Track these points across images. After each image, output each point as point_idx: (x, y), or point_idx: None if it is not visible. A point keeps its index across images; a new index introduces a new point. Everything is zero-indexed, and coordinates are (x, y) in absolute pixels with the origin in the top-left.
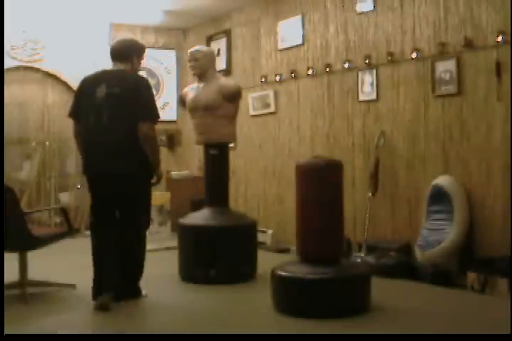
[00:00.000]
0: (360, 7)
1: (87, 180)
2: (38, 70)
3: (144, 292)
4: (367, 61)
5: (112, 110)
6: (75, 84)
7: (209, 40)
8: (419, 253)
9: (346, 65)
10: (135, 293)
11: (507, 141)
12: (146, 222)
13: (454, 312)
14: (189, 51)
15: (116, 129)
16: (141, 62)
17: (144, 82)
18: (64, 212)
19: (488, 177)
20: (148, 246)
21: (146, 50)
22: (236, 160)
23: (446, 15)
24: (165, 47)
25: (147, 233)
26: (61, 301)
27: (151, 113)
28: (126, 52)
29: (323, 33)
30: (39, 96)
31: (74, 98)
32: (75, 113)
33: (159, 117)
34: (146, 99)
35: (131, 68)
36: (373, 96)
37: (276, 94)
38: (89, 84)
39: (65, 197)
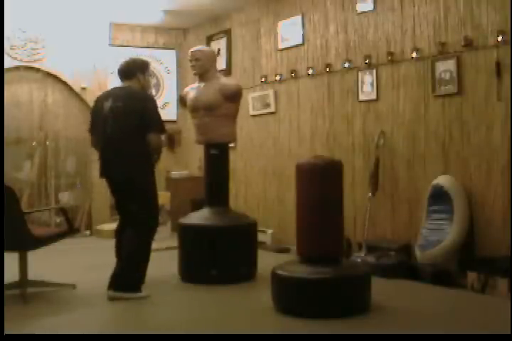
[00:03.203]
0: (360, 7)
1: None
2: (38, 70)
3: (144, 293)
4: (367, 61)
5: (114, 122)
6: (75, 84)
7: (209, 40)
8: (419, 253)
9: (346, 65)
10: (124, 287)
11: (507, 141)
12: (149, 223)
13: (454, 312)
14: (190, 51)
15: (117, 139)
16: (148, 77)
17: (147, 96)
18: (64, 212)
19: (488, 177)
20: None
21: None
22: (236, 160)
23: (446, 15)
24: (165, 47)
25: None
26: (61, 301)
27: (157, 124)
28: (130, 71)
29: (323, 33)
30: (39, 96)
31: (90, 114)
32: (90, 128)
33: (164, 128)
34: (151, 112)
35: (140, 85)
36: (373, 96)
37: (276, 94)
38: (100, 100)
39: (65, 197)
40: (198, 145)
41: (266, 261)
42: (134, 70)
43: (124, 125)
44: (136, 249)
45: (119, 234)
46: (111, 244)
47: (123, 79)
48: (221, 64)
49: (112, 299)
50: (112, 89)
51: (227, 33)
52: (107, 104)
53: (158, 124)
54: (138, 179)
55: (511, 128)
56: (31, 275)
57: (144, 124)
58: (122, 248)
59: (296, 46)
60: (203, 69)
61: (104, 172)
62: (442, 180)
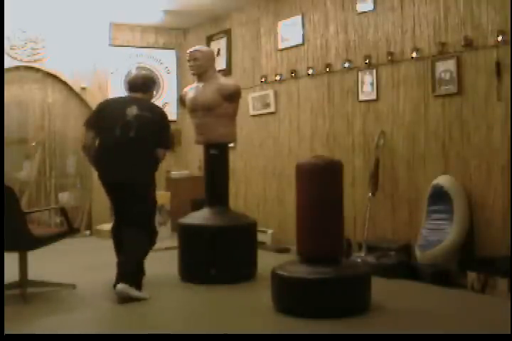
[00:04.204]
0: (360, 7)
1: (103, 186)
2: (38, 70)
3: (144, 293)
4: (367, 61)
5: (139, 128)
6: (75, 84)
7: (209, 40)
8: (419, 253)
9: (346, 65)
10: (135, 282)
11: (507, 141)
12: (152, 223)
13: (454, 312)
14: (188, 51)
15: (138, 144)
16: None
17: (166, 114)
18: (64, 212)
19: (488, 177)
20: None
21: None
22: (236, 160)
23: (446, 15)
24: (165, 47)
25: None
26: (61, 301)
27: (168, 142)
28: (147, 85)
29: (323, 33)
30: (39, 96)
31: (95, 112)
32: (93, 125)
33: (170, 145)
34: (167, 130)
35: (149, 98)
36: (373, 96)
37: (276, 94)
38: (118, 104)
39: (65, 197)
40: (198, 145)
41: (266, 261)
42: (151, 86)
43: (148, 133)
44: (141, 250)
45: (116, 231)
46: (111, 244)
47: (136, 90)
48: (221, 64)
49: (120, 294)
50: (133, 98)
51: (227, 33)
52: (132, 111)
53: (169, 142)
54: (148, 182)
55: (511, 128)
56: (31, 275)
57: (156, 137)
58: (125, 246)
59: (296, 46)
60: (202, 69)
61: (108, 175)
62: (442, 180)
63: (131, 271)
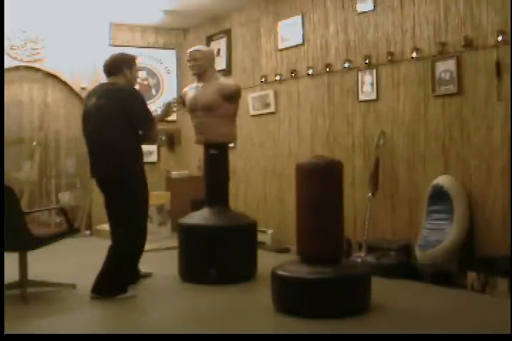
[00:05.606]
0: (360, 7)
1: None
2: (38, 70)
3: (129, 293)
4: (367, 61)
5: (97, 118)
6: (75, 84)
7: (209, 40)
8: (419, 253)
9: (346, 65)
10: (109, 291)
11: (507, 141)
12: (137, 225)
13: (454, 312)
14: (188, 51)
15: (101, 135)
16: (135, 72)
17: (133, 94)
18: (64, 211)
19: (488, 177)
20: (148, 246)
21: (146, 52)
22: (236, 160)
23: (446, 15)
24: (165, 47)
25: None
26: (61, 301)
27: (147, 121)
28: (116, 66)
29: (323, 33)
30: (39, 96)
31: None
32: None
33: (153, 119)
34: (138, 110)
35: (126, 80)
36: (373, 96)
37: (276, 94)
38: (87, 97)
39: (65, 197)
40: (198, 145)
41: (266, 261)
42: (120, 65)
43: (106, 122)
44: (120, 251)
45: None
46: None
47: (109, 74)
48: (221, 64)
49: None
50: (97, 86)
51: (227, 33)
52: (91, 102)
53: (148, 120)
54: (122, 179)
55: (511, 128)
56: (31, 275)
57: (131, 123)
58: (108, 249)
59: (296, 46)
60: (202, 69)
61: (91, 172)
62: (442, 180)
63: (105, 277)
